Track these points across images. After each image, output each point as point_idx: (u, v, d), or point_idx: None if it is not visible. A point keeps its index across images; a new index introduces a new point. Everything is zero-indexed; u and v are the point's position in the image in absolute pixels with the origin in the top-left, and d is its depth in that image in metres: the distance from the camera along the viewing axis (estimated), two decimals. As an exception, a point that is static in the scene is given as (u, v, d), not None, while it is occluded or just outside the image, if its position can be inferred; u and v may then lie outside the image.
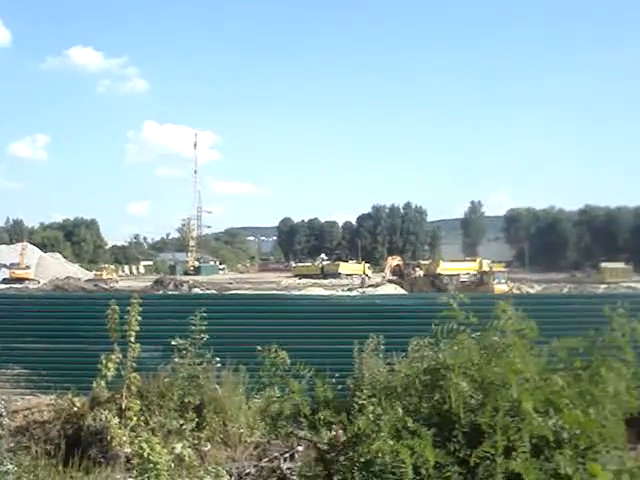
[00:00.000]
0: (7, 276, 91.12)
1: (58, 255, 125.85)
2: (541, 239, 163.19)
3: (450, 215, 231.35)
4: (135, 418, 8.94)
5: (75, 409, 9.36)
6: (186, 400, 9.28)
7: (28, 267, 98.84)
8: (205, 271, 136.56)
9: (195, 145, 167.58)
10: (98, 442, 8.68)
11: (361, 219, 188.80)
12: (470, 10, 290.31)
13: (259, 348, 6.19)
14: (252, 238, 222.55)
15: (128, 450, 8.40)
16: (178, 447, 7.38)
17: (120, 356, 9.09)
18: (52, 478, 7.80)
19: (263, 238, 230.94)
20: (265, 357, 6.12)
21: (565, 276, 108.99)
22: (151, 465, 6.25)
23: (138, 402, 9.05)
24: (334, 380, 7.26)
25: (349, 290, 59.55)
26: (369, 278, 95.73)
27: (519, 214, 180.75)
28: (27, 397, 11.41)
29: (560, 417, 4.63)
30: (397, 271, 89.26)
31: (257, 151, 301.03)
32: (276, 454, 8.71)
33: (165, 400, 9.29)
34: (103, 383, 9.21)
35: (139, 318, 9.23)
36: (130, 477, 7.61)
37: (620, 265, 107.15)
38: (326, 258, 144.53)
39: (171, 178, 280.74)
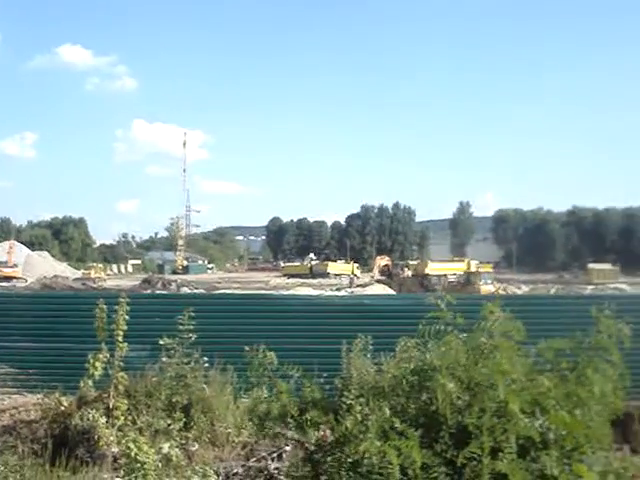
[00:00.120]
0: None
1: (46, 254, 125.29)
2: (529, 240, 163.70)
3: (438, 215, 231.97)
4: (122, 418, 8.92)
5: (62, 408, 9.33)
6: (174, 400, 9.28)
7: (16, 265, 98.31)
8: (193, 270, 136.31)
9: (184, 144, 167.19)
10: (85, 442, 8.66)
11: (350, 219, 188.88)
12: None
13: (247, 348, 6.18)
14: (241, 237, 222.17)
15: (115, 450, 8.38)
16: (165, 447, 7.39)
17: (108, 355, 9.07)
18: (39, 478, 7.76)
19: (252, 237, 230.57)
20: (253, 357, 6.12)
21: (553, 277, 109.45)
22: (138, 465, 6.24)
23: (125, 402, 9.04)
24: (322, 380, 7.30)
25: (337, 290, 59.64)
26: (357, 278, 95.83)
27: (507, 215, 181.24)
28: (14, 396, 11.40)
29: (546, 418, 4.65)
30: (385, 271, 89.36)
31: (246, 150, 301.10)
32: (264, 454, 8.71)
33: (153, 400, 9.28)
34: (90, 382, 9.19)
35: (127, 317, 9.21)
36: (117, 477, 7.59)
37: (607, 266, 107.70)
38: (315, 258, 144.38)
39: (160, 177, 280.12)
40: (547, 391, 4.82)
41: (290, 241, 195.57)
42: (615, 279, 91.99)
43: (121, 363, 9.15)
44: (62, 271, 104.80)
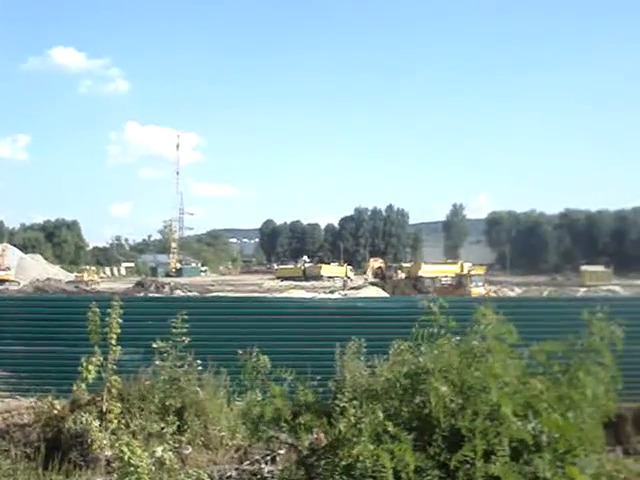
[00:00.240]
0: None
1: (39, 256, 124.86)
2: (522, 242, 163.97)
3: (432, 218, 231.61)
4: (116, 421, 8.92)
5: (55, 412, 9.33)
6: (167, 403, 9.28)
7: (8, 268, 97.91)
8: (187, 273, 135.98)
9: (177, 146, 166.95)
10: (78, 445, 8.66)
11: (343, 221, 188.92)
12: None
13: (240, 352, 6.19)
14: (234, 240, 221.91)
15: (109, 453, 8.38)
16: (159, 450, 7.37)
17: (101, 359, 9.08)
18: (32, 481, 7.76)
19: (245, 240, 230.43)
20: (246, 360, 6.12)
21: (546, 279, 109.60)
22: (132, 468, 6.23)
23: (119, 405, 9.04)
24: (316, 383, 7.29)
25: (331, 292, 59.55)
26: (351, 280, 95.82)
27: (500, 217, 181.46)
28: (6, 400, 11.37)
29: (539, 421, 4.67)
30: (379, 273, 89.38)
31: (240, 153, 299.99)
32: (257, 457, 8.72)
33: (146, 403, 9.27)
34: (84, 386, 9.20)
35: (120, 320, 9.21)
36: (110, 480, 7.59)
37: (600, 268, 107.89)
38: (308, 260, 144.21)
39: (153, 179, 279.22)
40: (540, 394, 4.84)
41: (283, 244, 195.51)
42: (608, 281, 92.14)
43: (114, 366, 9.16)
44: (55, 274, 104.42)
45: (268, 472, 8.13)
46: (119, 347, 9.16)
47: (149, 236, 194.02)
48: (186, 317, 9.86)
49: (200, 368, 10.13)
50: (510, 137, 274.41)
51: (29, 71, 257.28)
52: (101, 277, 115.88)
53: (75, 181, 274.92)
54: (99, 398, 9.11)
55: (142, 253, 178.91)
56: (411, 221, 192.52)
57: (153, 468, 6.77)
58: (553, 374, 5.18)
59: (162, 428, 8.83)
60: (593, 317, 5.43)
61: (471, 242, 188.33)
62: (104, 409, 8.98)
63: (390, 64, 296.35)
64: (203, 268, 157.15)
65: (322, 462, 5.15)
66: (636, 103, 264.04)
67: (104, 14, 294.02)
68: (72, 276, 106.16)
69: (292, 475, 5.70)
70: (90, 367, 9.00)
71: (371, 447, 4.55)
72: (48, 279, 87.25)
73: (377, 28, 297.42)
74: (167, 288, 72.15)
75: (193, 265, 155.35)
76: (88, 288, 79.09)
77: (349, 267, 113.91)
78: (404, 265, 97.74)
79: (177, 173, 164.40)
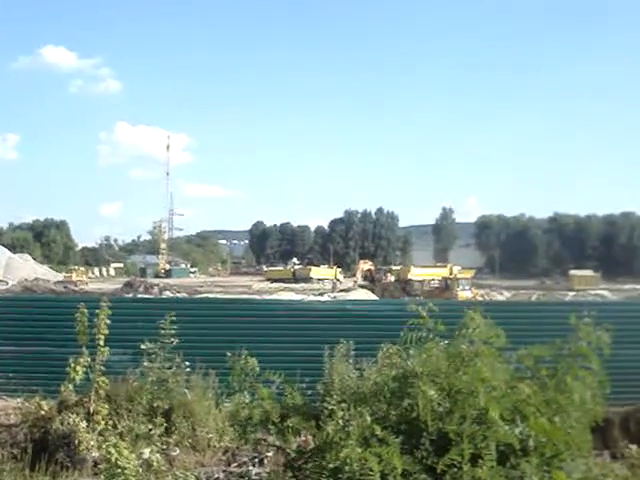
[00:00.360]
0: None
1: (27, 256, 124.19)
2: (511, 246, 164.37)
3: (422, 221, 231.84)
4: (103, 422, 8.90)
5: (42, 413, 9.29)
6: (155, 404, 9.26)
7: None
8: (176, 274, 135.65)
9: (168, 147, 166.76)
10: (65, 446, 8.63)
11: (333, 224, 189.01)
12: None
13: (229, 354, 6.19)
14: (224, 241, 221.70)
15: (96, 454, 8.36)
16: (146, 452, 7.35)
17: (89, 360, 9.05)
18: (18, 482, 7.73)
19: (235, 241, 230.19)
20: (235, 362, 6.12)
21: (534, 283, 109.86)
22: (119, 470, 6.22)
23: (106, 406, 9.01)
24: (304, 385, 7.29)
25: (320, 294, 59.54)
26: (340, 283, 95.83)
27: (490, 221, 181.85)
28: (-6, 400, 11.31)
29: (526, 425, 4.69)
30: (368, 276, 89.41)
31: (230, 154, 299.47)
32: (245, 459, 8.72)
33: (134, 404, 9.25)
34: (71, 387, 9.17)
35: (108, 321, 9.19)
36: (97, 482, 7.57)
37: (589, 273, 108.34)
38: (298, 262, 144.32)
39: (143, 180, 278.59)
40: (527, 398, 4.85)
41: (273, 245, 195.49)
42: (596, 286, 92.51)
43: (102, 367, 9.13)
44: (43, 274, 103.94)
45: (256, 474, 8.11)
46: (107, 348, 9.14)
47: (138, 237, 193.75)
48: (175, 318, 9.85)
49: (188, 370, 10.12)
50: (501, 141, 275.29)
51: (19, 70, 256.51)
52: (90, 277, 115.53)
53: (65, 181, 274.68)
54: (87, 399, 9.08)
55: (131, 254, 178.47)
56: (401, 224, 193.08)
57: (140, 470, 6.74)
58: (541, 378, 5.19)
59: (150, 430, 8.81)
60: (580, 322, 5.45)
61: (460, 245, 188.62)
62: (92, 410, 8.95)
63: (384, 65, 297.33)
64: (192, 269, 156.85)
65: (310, 465, 5.15)
66: (629, 107, 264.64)
67: (96, 14, 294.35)
68: (61, 276, 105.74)
69: (280, 477, 5.71)
70: (78, 368, 8.97)
71: (359, 450, 4.56)
72: (36, 279, 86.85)
73: (366, 26, 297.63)
74: (156, 289, 71.93)
75: (182, 266, 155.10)
76: (76, 288, 78.76)
77: (339, 269, 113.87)
78: (394, 268, 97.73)
79: (167, 174, 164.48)
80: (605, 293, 73.68)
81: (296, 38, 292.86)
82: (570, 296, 68.16)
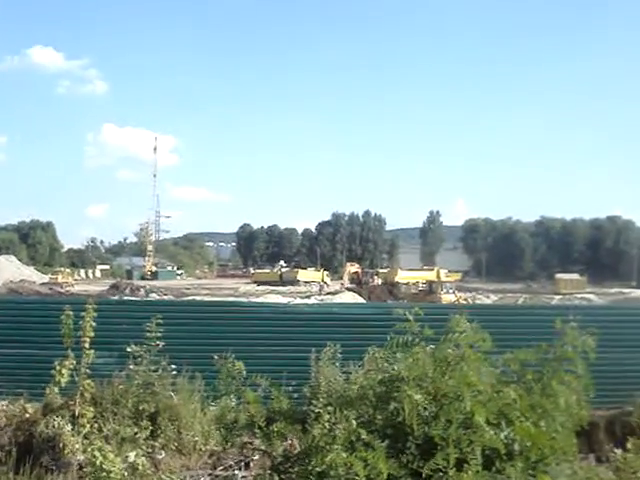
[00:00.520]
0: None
1: (13, 258, 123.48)
2: (498, 249, 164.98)
3: (409, 224, 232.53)
4: (88, 425, 8.85)
5: (27, 415, 9.25)
6: (141, 407, 9.23)
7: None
8: (162, 276, 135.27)
9: (155, 149, 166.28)
10: (50, 449, 8.58)
11: (320, 226, 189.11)
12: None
13: (215, 357, 6.18)
14: (211, 244, 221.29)
15: (81, 458, 8.31)
16: (132, 455, 7.34)
17: (74, 362, 9.00)
18: (2, 486, 7.69)
19: (222, 244, 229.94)
20: (222, 366, 6.11)
21: (521, 286, 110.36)
22: (104, 473, 6.21)
23: (92, 409, 8.97)
24: (291, 388, 7.30)
25: (307, 297, 59.59)
26: (327, 285, 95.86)
27: (477, 224, 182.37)
28: (-22, 403, 11.23)
29: (512, 429, 4.70)
30: (355, 278, 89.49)
31: (218, 156, 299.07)
32: (231, 463, 8.70)
33: (119, 407, 9.22)
34: (56, 389, 9.11)
35: (94, 324, 9.14)
36: (82, 485, 7.54)
37: (575, 276, 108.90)
38: (285, 265, 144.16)
39: (131, 181, 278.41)
40: (513, 402, 4.86)
41: (260, 248, 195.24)
42: (582, 289, 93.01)
43: (88, 370, 9.08)
44: (29, 275, 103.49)
45: (242, 478, 8.13)
46: (93, 351, 9.09)
47: (125, 238, 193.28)
48: (161, 321, 9.83)
49: (174, 373, 10.09)
50: (488, 145, 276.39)
51: (6, 70, 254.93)
52: (76, 279, 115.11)
53: (51, 182, 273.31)
54: (72, 402, 9.03)
55: (118, 255, 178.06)
56: (388, 227, 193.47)
57: (125, 473, 6.74)
58: (526, 382, 5.21)
59: (135, 433, 8.79)
60: (566, 326, 5.47)
61: (447, 249, 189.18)
62: (77, 413, 8.91)
63: (380, 67, 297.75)
64: (179, 271, 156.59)
65: (296, 469, 5.15)
66: (619, 110, 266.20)
67: (83, 15, 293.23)
68: (46, 278, 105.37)
69: (265, 481, 5.69)
70: (63, 371, 8.92)
71: (344, 455, 4.55)
72: (22, 281, 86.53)
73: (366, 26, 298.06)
74: (142, 291, 71.85)
75: (169, 268, 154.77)
76: (62, 290, 78.54)
77: (326, 272, 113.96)
78: (381, 271, 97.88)
79: (154, 176, 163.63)
80: (591, 297, 74.18)
81: (286, 38, 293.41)
82: (556, 300, 68.66)
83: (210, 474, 8.51)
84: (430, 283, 72.00)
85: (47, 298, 40.79)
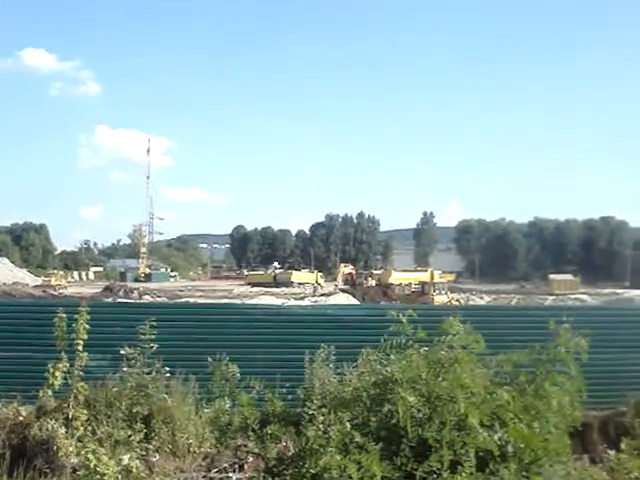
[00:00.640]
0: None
1: (6, 260, 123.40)
2: (491, 250, 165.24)
3: (403, 225, 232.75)
4: (82, 428, 8.83)
5: (21, 418, 9.23)
6: (134, 410, 9.21)
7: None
8: (156, 278, 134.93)
9: (148, 151, 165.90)
10: (44, 452, 8.56)
11: (314, 228, 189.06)
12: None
13: (210, 359, 6.17)
14: (205, 245, 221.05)
15: (75, 461, 8.29)
16: (125, 458, 7.32)
17: (67, 365, 8.98)
18: (-4, 489, 7.67)
19: (216, 246, 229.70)
20: (215, 368, 6.10)
21: (514, 287, 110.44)
22: (98, 476, 6.20)
23: (85, 412, 8.95)
24: (285, 390, 7.29)
25: (301, 299, 59.61)
26: (321, 287, 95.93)
27: (470, 225, 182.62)
28: (-29, 406, 11.20)
29: (505, 431, 4.71)
30: (349, 280, 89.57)
31: (211, 158, 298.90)
32: (225, 465, 8.69)
33: (113, 410, 9.19)
34: (50, 392, 9.10)
35: (87, 326, 9.13)
36: (76, 488, 7.52)
37: (568, 277, 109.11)
38: (279, 266, 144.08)
39: (124, 183, 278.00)
40: (506, 404, 4.87)
41: (254, 249, 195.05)
42: (576, 290, 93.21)
43: (81, 373, 9.06)
44: (22, 278, 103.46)
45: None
46: (86, 353, 9.08)
47: (118, 240, 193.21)
48: (154, 323, 9.81)
49: (168, 375, 10.07)
50: (482, 146, 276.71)
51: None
52: (69, 281, 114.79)
53: (44, 184, 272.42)
54: (65, 405, 9.01)
55: (111, 257, 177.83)
56: (382, 228, 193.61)
57: (119, 476, 6.73)
58: (520, 384, 5.23)
59: (129, 435, 8.76)
60: (559, 327, 5.49)
61: (441, 250, 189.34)
62: (70, 416, 8.89)
63: (360, 67, 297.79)
64: (173, 273, 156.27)
65: (289, 471, 5.15)
66: (610, 113, 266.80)
67: (76, 16, 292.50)
68: (39, 280, 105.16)
69: (260, 484, 5.69)
70: (56, 373, 8.90)
71: (338, 457, 4.56)
72: (15, 283, 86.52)
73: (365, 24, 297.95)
74: (136, 293, 71.84)
75: (163, 270, 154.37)
76: (55, 293, 78.39)
77: (319, 274, 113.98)
78: (375, 272, 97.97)
79: (147, 177, 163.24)
80: (584, 297, 74.38)
81: (277, 39, 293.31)
82: (550, 300, 68.80)
83: (204, 476, 8.50)
84: (423, 284, 72.10)
85: (40, 300, 40.63)
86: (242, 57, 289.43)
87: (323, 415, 5.32)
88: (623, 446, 8.75)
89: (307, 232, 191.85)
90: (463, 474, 4.43)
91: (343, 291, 76.24)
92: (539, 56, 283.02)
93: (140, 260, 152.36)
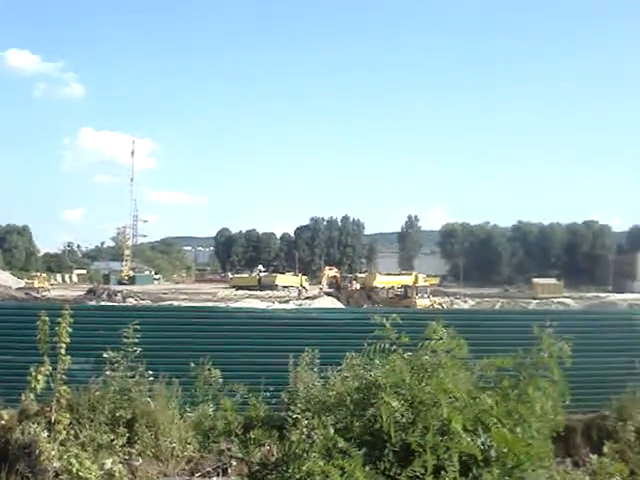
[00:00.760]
0: None
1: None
2: (475, 254, 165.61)
3: (387, 229, 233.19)
4: (65, 432, 8.78)
5: (3, 422, 9.17)
6: (117, 414, 9.17)
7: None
8: (140, 281, 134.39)
9: (132, 153, 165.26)
10: (26, 456, 8.51)
11: (299, 231, 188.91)
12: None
13: (193, 364, 6.16)
14: (189, 248, 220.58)
15: (57, 465, 8.24)
16: (108, 462, 7.30)
17: (50, 368, 8.92)
18: (-23, 494, 7.62)
19: (200, 248, 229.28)
20: (199, 373, 6.09)
21: (498, 291, 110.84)
22: (80, 481, 6.16)
23: (68, 415, 8.90)
24: (269, 394, 7.28)
25: (285, 302, 59.59)
26: (306, 290, 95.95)
27: (454, 229, 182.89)
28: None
29: (488, 435, 4.72)
30: (334, 283, 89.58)
31: (196, 160, 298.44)
32: (209, 469, 8.67)
33: (96, 414, 9.15)
34: (32, 396, 9.03)
35: (70, 329, 9.07)
36: (58, 493, 7.48)
37: (552, 281, 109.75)
38: (263, 269, 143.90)
39: (108, 185, 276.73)
40: (489, 409, 4.88)
41: (238, 252, 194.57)
42: (559, 294, 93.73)
43: (64, 376, 9.01)
44: (4, 280, 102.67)
45: (219, 484, 8.09)
46: (69, 357, 9.03)
47: (102, 243, 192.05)
48: (138, 327, 9.77)
49: (152, 379, 10.03)
50: (465, 149, 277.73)
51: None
52: (52, 284, 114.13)
53: (27, 186, 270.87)
54: (48, 408, 8.96)
55: (95, 260, 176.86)
56: (366, 231, 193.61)
57: (102, 480, 6.69)
58: (503, 389, 5.24)
59: (112, 439, 8.72)
60: (543, 331, 5.51)
61: (425, 253, 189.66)
62: (53, 420, 8.84)
63: (350, 68, 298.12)
64: (156, 276, 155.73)
65: (273, 476, 5.14)
66: (600, 115, 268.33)
67: (59, 17, 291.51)
68: (22, 283, 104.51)
69: (243, 488, 5.68)
70: (39, 377, 8.85)
71: (321, 463, 4.55)
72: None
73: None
74: (119, 296, 71.56)
75: (146, 273, 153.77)
76: (38, 295, 77.98)
77: (304, 277, 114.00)
78: (359, 275, 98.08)
79: (131, 179, 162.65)
80: (568, 301, 74.77)
81: (264, 40, 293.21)
82: (533, 304, 69.09)
83: (187, 480, 8.48)
84: (405, 287, 72.26)
85: (23, 303, 40.44)
86: (239, 57, 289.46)
87: (307, 419, 5.32)
88: (606, 450, 8.80)
89: (292, 235, 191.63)
90: (447, 479, 4.44)
91: (328, 294, 76.25)
92: (540, 55, 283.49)
93: (124, 263, 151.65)
